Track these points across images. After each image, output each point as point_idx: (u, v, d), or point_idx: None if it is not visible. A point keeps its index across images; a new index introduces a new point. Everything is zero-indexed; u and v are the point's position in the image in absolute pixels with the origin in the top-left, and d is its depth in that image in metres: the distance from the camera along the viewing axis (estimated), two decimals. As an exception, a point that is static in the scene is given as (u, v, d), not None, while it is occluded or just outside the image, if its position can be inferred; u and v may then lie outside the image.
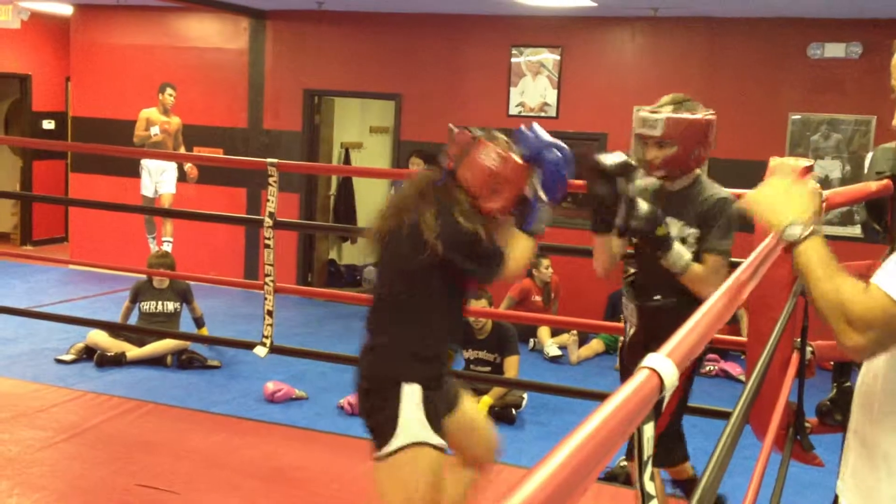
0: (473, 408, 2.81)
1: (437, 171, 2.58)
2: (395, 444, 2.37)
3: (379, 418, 2.43)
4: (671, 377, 0.87)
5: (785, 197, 1.50)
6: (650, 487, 0.80)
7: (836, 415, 3.20)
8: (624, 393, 0.80)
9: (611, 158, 2.66)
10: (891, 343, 1.40)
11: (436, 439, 2.40)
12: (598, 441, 0.71)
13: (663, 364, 0.88)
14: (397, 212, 2.55)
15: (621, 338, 7.14)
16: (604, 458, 0.73)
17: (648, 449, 0.81)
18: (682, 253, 2.70)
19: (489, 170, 2.47)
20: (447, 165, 2.54)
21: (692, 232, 2.79)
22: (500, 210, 2.54)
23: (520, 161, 2.51)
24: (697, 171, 2.88)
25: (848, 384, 3.22)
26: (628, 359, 3.24)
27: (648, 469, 0.81)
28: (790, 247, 1.45)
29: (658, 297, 2.84)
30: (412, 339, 2.49)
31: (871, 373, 1.56)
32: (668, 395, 0.86)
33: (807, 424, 2.82)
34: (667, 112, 2.77)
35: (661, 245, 2.67)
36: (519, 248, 2.59)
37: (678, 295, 2.75)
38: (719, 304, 1.19)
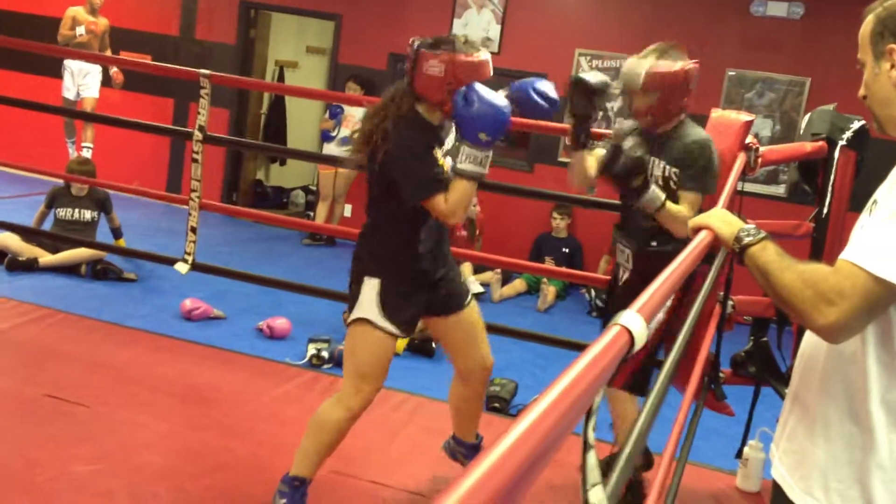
0: (477, 319, 3.04)
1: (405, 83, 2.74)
2: (352, 316, 2.82)
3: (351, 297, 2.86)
4: (641, 333, 0.90)
5: (729, 216, 1.64)
6: (591, 437, 0.80)
7: (749, 367, 3.29)
8: (597, 349, 0.82)
9: (592, 77, 2.87)
10: (866, 320, 1.39)
11: (382, 322, 2.75)
12: (576, 395, 0.73)
13: (634, 321, 0.91)
14: (372, 115, 2.74)
15: (544, 279, 7.16)
16: (581, 411, 0.76)
17: (597, 401, 0.82)
18: (657, 195, 2.81)
19: (435, 78, 2.62)
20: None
21: (674, 171, 2.94)
22: (445, 107, 2.66)
23: (465, 58, 2.62)
24: (682, 115, 3.04)
25: (765, 339, 3.31)
26: (621, 302, 3.42)
27: (593, 419, 0.81)
28: (743, 250, 1.53)
29: (655, 243, 2.99)
30: (375, 244, 2.82)
31: (814, 338, 1.56)
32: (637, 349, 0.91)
33: (721, 375, 2.89)
34: (649, 63, 2.93)
35: (639, 191, 2.80)
36: (457, 190, 2.67)
37: (673, 241, 2.86)
38: (685, 263, 1.27)
